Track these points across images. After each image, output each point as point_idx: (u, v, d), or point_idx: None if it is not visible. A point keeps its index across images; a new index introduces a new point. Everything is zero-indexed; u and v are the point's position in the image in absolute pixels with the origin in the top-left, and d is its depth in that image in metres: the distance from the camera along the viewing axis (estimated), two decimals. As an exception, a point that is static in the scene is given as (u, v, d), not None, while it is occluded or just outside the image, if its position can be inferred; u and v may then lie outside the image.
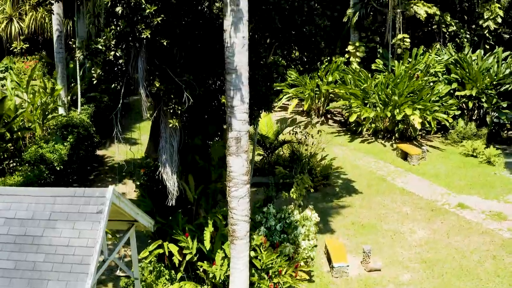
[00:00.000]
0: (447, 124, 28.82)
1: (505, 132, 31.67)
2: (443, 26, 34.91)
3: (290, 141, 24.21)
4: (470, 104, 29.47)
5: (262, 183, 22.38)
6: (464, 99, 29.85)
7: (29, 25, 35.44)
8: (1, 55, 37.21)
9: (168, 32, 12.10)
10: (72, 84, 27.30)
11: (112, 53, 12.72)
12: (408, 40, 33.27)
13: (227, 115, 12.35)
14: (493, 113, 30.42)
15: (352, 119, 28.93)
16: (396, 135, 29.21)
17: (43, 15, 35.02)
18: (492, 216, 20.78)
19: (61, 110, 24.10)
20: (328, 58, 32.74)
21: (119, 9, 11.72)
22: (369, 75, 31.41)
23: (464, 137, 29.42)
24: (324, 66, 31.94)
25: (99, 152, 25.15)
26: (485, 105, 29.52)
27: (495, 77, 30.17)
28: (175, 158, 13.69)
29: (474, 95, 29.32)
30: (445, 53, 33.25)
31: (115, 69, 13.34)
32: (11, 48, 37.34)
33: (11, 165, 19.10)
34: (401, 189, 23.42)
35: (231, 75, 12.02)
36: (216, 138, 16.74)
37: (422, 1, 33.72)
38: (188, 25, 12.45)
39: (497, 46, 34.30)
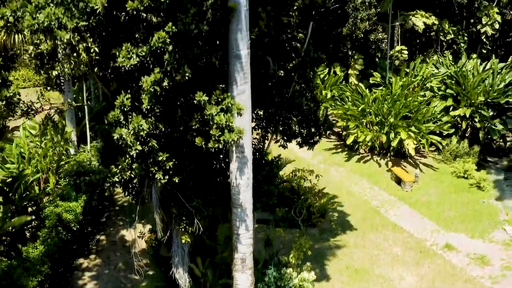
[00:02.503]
0: (440, 146, 30.09)
1: (496, 143, 32.94)
2: (441, 34, 35.45)
3: (289, 181, 25.51)
4: (464, 125, 30.58)
5: (263, 220, 23.88)
6: (458, 118, 30.91)
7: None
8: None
9: (179, 171, 13.30)
10: (80, 115, 28.34)
11: (128, 173, 13.87)
12: (406, 52, 33.96)
13: (233, 239, 13.71)
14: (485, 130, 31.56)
15: (349, 141, 30.16)
16: (392, 153, 30.48)
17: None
18: (476, 261, 22.40)
19: (71, 150, 25.30)
20: (327, 69, 33.45)
21: (133, 153, 12.84)
22: (367, 90, 32.30)
23: (456, 156, 30.73)
24: (322, 76, 32.82)
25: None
26: (478, 125, 30.64)
27: (490, 91, 31.12)
28: (186, 260, 15.15)
29: (467, 116, 30.36)
30: (442, 63, 33.97)
31: (130, 185, 14.60)
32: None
33: (33, 223, 20.51)
34: (394, 225, 24.96)
35: (237, 209, 13.33)
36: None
37: (421, 12, 34.12)
38: (197, 164, 13.61)
39: (493, 55, 34.98)
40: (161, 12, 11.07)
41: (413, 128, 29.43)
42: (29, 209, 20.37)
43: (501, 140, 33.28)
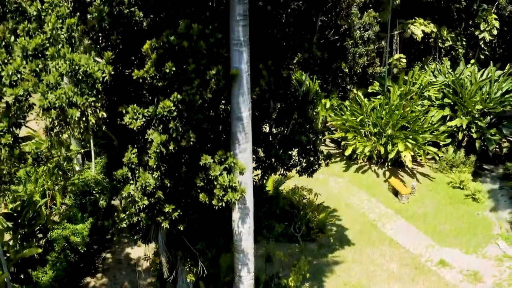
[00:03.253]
0: (437, 157, 30.76)
1: (492, 149, 33.53)
2: (440, 41, 35.85)
3: (289, 197, 26.18)
4: (460, 136, 31.18)
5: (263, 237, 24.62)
6: (455, 128, 31.48)
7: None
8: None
9: (184, 219, 13.97)
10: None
11: (135, 219, 14.55)
12: (404, 60, 34.40)
13: (235, 280, 14.44)
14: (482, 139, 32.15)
15: (348, 152, 30.79)
16: (389, 162, 31.13)
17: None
18: (469, 277, 23.18)
19: (76, 167, 25.94)
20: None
21: (140, 204, 13.49)
22: (366, 100, 32.82)
23: (453, 165, 31.39)
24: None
25: (114, 202, 27.17)
26: (474, 135, 31.23)
27: (487, 98, 31.66)
28: (191, 293, 15.91)
29: (464, 126, 30.94)
30: (440, 70, 34.43)
31: (137, 228, 15.29)
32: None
33: (41, 242, 21.22)
34: (390, 239, 25.71)
35: (239, 254, 14.03)
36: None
37: (420, 20, 34.47)
38: (201, 213, 14.27)
39: (491, 62, 35.41)
40: (166, 80, 11.61)
41: (410, 140, 30.02)
42: (38, 234, 21.06)
43: (497, 147, 33.86)
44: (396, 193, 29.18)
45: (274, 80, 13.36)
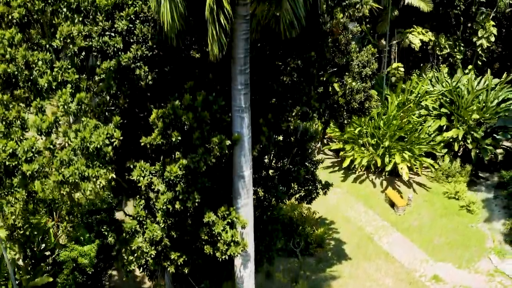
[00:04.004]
0: (433, 169, 31.52)
1: (488, 158, 34.23)
2: (437, 48, 36.34)
3: (287, 213, 26.96)
4: (456, 147, 31.88)
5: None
6: (451, 139, 32.17)
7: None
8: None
9: (189, 263, 14.79)
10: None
11: (143, 261, 15.38)
12: (402, 69, 34.95)
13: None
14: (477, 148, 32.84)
15: (346, 164, 31.55)
16: (386, 172, 31.90)
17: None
18: (461, 293, 24.14)
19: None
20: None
21: (149, 254, 14.29)
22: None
23: (448, 175, 32.17)
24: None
25: (118, 215, 27.96)
26: (470, 146, 31.94)
27: (484, 107, 32.33)
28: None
29: (460, 138, 31.64)
30: (438, 78, 34.96)
31: (145, 266, 16.13)
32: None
33: (49, 260, 22.07)
34: (386, 254, 26.58)
35: (241, 294, 14.86)
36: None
37: (418, 29, 34.91)
38: (205, 258, 15.08)
39: (488, 70, 35.90)
40: (172, 147, 12.31)
41: (407, 152, 30.72)
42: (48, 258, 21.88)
43: (493, 155, 34.52)
44: (392, 204, 29.99)
45: (274, 133, 14.03)
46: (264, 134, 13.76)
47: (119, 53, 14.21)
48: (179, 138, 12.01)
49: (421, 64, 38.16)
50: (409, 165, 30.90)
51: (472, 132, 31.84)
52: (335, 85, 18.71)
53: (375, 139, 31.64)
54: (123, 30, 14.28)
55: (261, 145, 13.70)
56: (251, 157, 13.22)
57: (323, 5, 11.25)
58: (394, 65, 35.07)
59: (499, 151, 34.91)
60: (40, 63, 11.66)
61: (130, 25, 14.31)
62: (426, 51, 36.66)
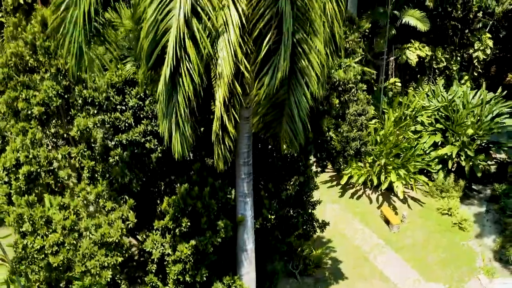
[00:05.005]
0: (427, 187, 32.78)
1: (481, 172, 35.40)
2: (434, 62, 37.23)
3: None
4: (450, 164, 33.04)
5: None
6: (445, 156, 33.33)
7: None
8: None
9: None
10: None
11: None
12: (399, 84, 35.88)
13: None
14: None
15: (343, 181, 32.76)
16: (382, 188, 33.15)
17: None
18: (450, 316, 25.61)
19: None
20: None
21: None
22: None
23: (442, 190, 33.42)
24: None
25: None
26: (463, 163, 33.11)
27: (478, 121, 33.39)
28: None
29: (454, 156, 32.80)
30: (434, 92, 35.91)
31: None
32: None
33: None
34: (380, 273, 27.97)
35: None
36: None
37: (415, 44, 35.72)
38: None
39: (483, 84, 36.84)
40: (181, 231, 13.50)
41: (402, 170, 31.90)
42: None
43: (487, 167, 35.66)
44: (388, 221, 31.27)
45: (274, 202, 15.20)
46: (265, 205, 14.91)
47: (130, 128, 15.27)
48: (189, 223, 13.16)
49: (418, 76, 39.04)
50: (404, 182, 32.08)
51: (466, 150, 32.93)
52: (331, 132, 19.75)
53: (372, 157, 32.75)
54: (134, 107, 15.34)
55: (262, 217, 14.87)
56: (253, 232, 14.39)
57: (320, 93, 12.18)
58: (391, 80, 35.99)
59: (491, 163, 36.04)
60: (59, 156, 12.74)
61: (140, 102, 15.34)
62: (423, 64, 37.53)
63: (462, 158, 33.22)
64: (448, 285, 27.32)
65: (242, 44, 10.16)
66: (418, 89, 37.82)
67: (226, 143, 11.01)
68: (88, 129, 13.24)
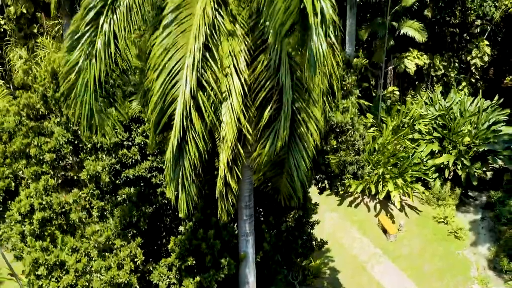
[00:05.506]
0: (423, 196, 33.53)
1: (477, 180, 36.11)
2: (432, 69, 37.79)
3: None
4: (446, 173, 33.77)
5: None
6: (442, 165, 34.03)
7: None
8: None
9: None
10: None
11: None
12: (397, 92, 36.47)
13: None
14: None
15: (341, 191, 33.44)
16: (380, 198, 33.89)
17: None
18: (444, 326, 26.46)
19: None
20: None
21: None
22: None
23: (439, 198, 34.17)
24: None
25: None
26: (459, 172, 33.82)
27: (474, 129, 34.04)
28: None
29: (450, 165, 33.51)
30: (432, 99, 36.48)
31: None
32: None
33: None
34: (377, 283, 28.80)
35: None
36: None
37: (414, 53, 36.25)
38: None
39: (480, 92, 37.44)
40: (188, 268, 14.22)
41: (400, 179, 32.61)
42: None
43: (483, 174, 36.35)
44: (385, 230, 32.04)
45: (273, 233, 15.91)
46: (266, 239, 15.61)
47: (137, 163, 15.94)
48: (194, 262, 13.87)
49: (416, 82, 39.60)
50: (401, 191, 32.81)
51: (462, 159, 33.61)
52: (329, 155, 20.42)
53: (370, 166, 33.42)
54: (140, 143, 15.99)
55: (263, 251, 15.59)
56: (254, 266, 15.11)
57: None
58: (390, 88, 36.58)
59: (487, 169, 36.71)
60: (71, 201, 13.43)
61: (146, 140, 16.00)
62: (421, 71, 38.09)
63: (459, 167, 33.90)
64: (442, 296, 28.16)
65: (245, 111, 10.78)
66: (416, 96, 38.39)
67: (229, 198, 11.69)
68: (97, 174, 13.91)
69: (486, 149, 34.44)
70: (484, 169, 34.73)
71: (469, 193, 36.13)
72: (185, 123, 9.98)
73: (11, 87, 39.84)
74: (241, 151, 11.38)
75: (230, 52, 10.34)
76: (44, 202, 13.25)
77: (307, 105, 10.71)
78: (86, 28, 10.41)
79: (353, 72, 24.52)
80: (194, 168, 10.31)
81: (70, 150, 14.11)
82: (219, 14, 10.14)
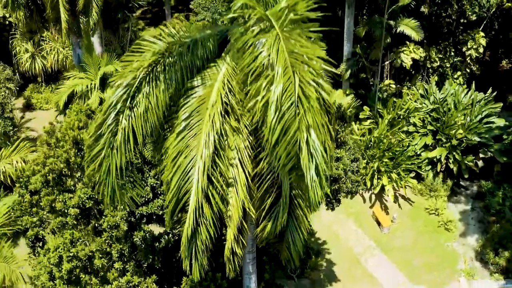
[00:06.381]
0: (416, 190, 35.30)
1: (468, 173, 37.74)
2: (428, 61, 38.90)
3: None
4: (439, 167, 35.42)
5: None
6: (434, 159, 35.64)
7: (52, 63, 39.08)
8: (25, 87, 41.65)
9: None
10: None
11: None
12: (394, 86, 37.68)
13: None
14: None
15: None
16: (375, 192, 35.64)
17: (65, 55, 38.75)
18: (431, 318, 28.64)
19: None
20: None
21: None
22: (356, 127, 36.68)
23: (431, 190, 35.94)
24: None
25: None
26: (451, 165, 35.46)
27: (468, 122, 35.47)
28: None
29: (443, 158, 35.11)
30: (427, 91, 37.72)
31: None
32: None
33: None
34: (370, 276, 30.85)
35: None
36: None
37: (411, 47, 37.24)
38: None
39: (473, 83, 38.63)
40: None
41: (394, 173, 34.28)
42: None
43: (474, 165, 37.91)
44: (379, 222, 33.94)
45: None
46: (267, 270, 17.39)
47: (149, 202, 17.56)
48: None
49: (412, 72, 40.65)
50: (395, 185, 34.51)
51: (454, 153, 35.15)
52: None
53: (366, 160, 35.03)
54: (152, 185, 17.56)
55: (264, 281, 17.38)
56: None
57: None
58: (386, 82, 37.73)
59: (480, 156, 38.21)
60: (94, 249, 15.11)
61: (157, 182, 17.57)
62: (417, 63, 39.14)
63: (451, 161, 35.45)
64: (430, 288, 30.21)
65: (249, 197, 12.26)
66: (412, 88, 39.52)
67: (236, 262, 13.31)
68: (117, 224, 15.51)
69: (478, 141, 35.82)
70: (475, 160, 36.16)
71: (461, 183, 37.72)
72: (197, 215, 11.51)
73: (18, 78, 40.98)
74: (246, 226, 12.94)
75: (236, 147, 11.72)
76: (71, 255, 14.92)
77: (303, 192, 12.18)
78: (109, 123, 11.79)
79: (346, 126, 25.81)
80: (206, 246, 11.90)
81: (92, 204, 15.69)
82: (226, 120, 11.47)
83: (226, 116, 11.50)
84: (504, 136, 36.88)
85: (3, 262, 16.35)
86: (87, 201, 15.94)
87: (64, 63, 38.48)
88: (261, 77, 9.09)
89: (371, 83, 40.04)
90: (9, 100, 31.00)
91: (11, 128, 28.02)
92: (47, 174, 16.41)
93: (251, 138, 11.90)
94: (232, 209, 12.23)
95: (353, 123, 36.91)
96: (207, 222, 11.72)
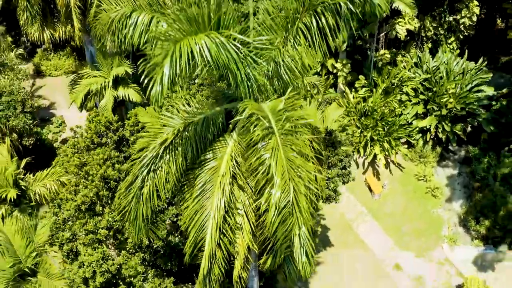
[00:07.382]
0: (406, 158, 37.73)
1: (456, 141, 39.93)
2: (422, 30, 40.28)
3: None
4: (428, 136, 37.70)
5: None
6: (425, 128, 37.87)
7: (60, 34, 40.17)
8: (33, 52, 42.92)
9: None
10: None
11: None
12: (388, 56, 39.23)
13: None
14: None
15: (334, 152, 37.54)
16: (367, 161, 38.06)
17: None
18: (414, 281, 31.72)
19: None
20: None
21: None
22: (352, 95, 38.69)
23: (421, 156, 38.42)
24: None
25: None
26: (440, 135, 37.74)
27: (457, 96, 37.42)
28: None
29: (432, 129, 37.36)
30: (421, 59, 39.25)
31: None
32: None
33: None
34: (361, 242, 33.80)
35: None
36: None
37: (406, 17, 38.44)
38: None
39: (466, 52, 40.13)
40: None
41: (386, 142, 36.61)
42: None
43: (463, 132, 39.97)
44: (371, 189, 36.62)
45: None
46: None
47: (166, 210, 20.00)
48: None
49: (408, 38, 41.90)
50: (387, 154, 36.91)
51: (443, 123, 37.30)
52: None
53: (360, 129, 37.25)
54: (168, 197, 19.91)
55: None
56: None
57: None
58: (381, 52, 39.22)
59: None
60: (122, 261, 17.73)
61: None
62: (412, 33, 40.43)
63: (440, 130, 37.64)
64: (416, 253, 33.07)
65: (253, 238, 14.62)
66: (406, 55, 40.94)
67: (242, 283, 15.83)
68: (140, 240, 18.00)
69: (467, 110, 37.76)
70: (464, 127, 38.20)
71: (449, 147, 39.97)
72: (211, 258, 13.94)
73: (25, 41, 42.22)
74: (250, 258, 15.39)
75: (241, 201, 13.97)
76: (103, 269, 17.50)
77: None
78: (136, 181, 14.07)
79: (338, 157, 27.86)
80: (218, 278, 14.43)
81: (118, 225, 18.13)
82: (234, 181, 13.65)
83: (234, 180, 13.67)
84: (493, 103, 38.75)
85: (47, 277, 19.02)
86: (114, 223, 18.38)
87: (72, 34, 39.63)
88: (267, 185, 11.34)
89: (367, 51, 41.48)
90: (28, 96, 32.88)
91: (31, 122, 30.15)
92: (80, 205, 18.73)
93: (254, 197, 14.06)
94: (239, 247, 14.63)
95: (348, 90, 38.80)
96: (218, 262, 14.16)
